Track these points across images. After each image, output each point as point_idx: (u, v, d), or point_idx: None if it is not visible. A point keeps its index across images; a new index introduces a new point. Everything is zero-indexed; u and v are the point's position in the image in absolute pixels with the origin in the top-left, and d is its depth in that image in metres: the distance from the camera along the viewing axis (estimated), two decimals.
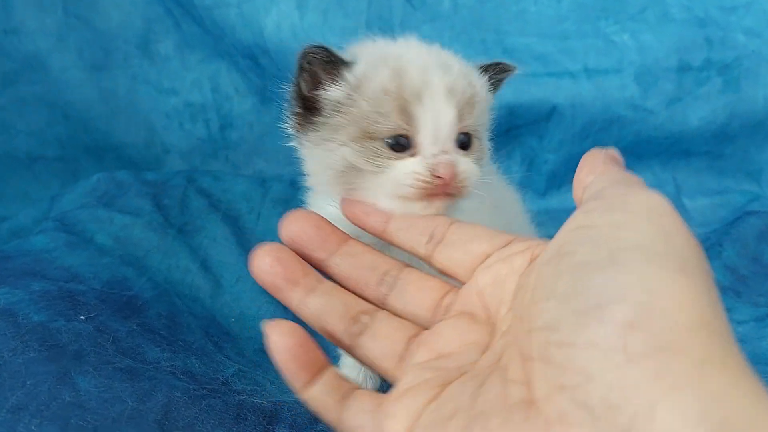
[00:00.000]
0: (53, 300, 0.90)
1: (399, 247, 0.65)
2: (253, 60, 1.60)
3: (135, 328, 0.92)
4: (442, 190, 0.66)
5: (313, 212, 0.66)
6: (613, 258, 0.41)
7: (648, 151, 1.52)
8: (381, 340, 0.58)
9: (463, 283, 0.59)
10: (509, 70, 0.78)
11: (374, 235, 0.66)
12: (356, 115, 0.70)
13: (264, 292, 1.22)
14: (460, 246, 0.60)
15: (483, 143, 0.75)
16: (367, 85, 0.70)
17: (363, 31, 1.50)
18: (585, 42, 1.47)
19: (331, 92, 0.73)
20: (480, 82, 0.75)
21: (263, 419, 0.79)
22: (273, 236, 1.43)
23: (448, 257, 0.61)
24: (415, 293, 0.61)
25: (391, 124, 0.68)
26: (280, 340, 0.54)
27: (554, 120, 1.47)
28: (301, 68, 0.72)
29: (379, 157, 0.69)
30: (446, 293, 0.60)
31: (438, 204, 0.67)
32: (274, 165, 1.67)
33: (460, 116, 0.69)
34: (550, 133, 1.49)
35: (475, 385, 0.48)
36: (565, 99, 1.45)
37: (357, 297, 0.62)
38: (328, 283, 0.62)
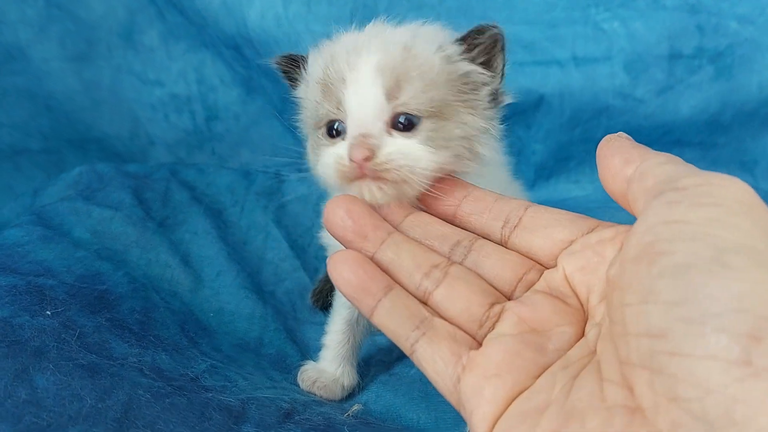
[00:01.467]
0: (19, 295, 0.88)
1: (472, 232, 0.61)
2: (237, 50, 1.58)
3: (104, 323, 0.90)
4: (361, 173, 0.64)
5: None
6: (720, 261, 0.39)
7: (639, 141, 1.49)
8: (458, 299, 0.55)
9: (546, 268, 0.57)
10: (486, 32, 0.70)
11: (445, 219, 0.63)
12: (307, 108, 0.72)
13: (244, 287, 1.21)
14: (540, 231, 0.57)
15: (442, 124, 0.68)
16: (309, 77, 0.72)
17: (348, 20, 1.50)
18: (574, 29, 1.44)
19: (297, 91, 0.77)
20: (438, 56, 0.69)
21: (229, 418, 0.76)
22: (257, 229, 1.42)
23: (526, 242, 0.58)
24: (495, 263, 0.58)
25: (324, 111, 0.68)
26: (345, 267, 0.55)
27: (542, 109, 1.44)
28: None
29: (320, 146, 0.70)
30: (529, 269, 0.57)
31: (367, 187, 0.64)
32: (260, 156, 1.65)
33: (391, 96, 0.66)
34: (538, 122, 1.46)
35: (568, 377, 0.47)
36: (553, 88, 1.42)
37: (429, 250, 0.59)
38: (398, 236, 0.60)
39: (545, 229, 0.57)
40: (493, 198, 0.61)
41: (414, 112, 0.67)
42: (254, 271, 1.29)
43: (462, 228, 0.62)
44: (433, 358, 0.53)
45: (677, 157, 0.49)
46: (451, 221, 0.62)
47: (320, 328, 1.04)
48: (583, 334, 0.52)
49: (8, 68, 1.59)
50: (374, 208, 0.62)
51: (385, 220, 0.62)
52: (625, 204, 0.52)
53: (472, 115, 0.70)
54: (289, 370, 1.03)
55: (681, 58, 1.42)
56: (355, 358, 0.99)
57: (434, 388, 0.95)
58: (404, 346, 0.55)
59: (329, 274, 0.58)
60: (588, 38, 1.43)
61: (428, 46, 0.70)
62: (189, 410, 0.75)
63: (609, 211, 1.46)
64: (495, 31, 0.70)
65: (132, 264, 1.15)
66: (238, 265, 1.24)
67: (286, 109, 1.65)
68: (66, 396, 0.69)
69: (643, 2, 1.43)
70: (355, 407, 0.90)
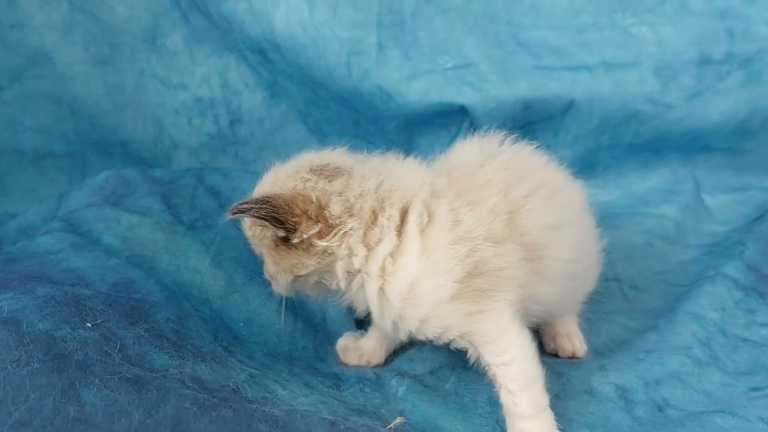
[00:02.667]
0: (59, 306, 0.87)
1: None
2: (262, 54, 1.57)
3: (142, 333, 0.89)
4: None
5: None
6: None
7: (666, 147, 1.49)
8: None
9: None
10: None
11: None
12: None
13: (273, 296, 1.21)
14: None
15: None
16: None
17: (373, 25, 1.49)
18: (602, 35, 1.43)
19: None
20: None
21: (276, 429, 0.76)
22: None
23: None
24: None
25: None
26: None
27: (570, 115, 1.44)
28: None
29: None
30: None
31: None
32: (285, 160, 1.64)
33: None
34: (566, 128, 1.46)
35: None
36: (583, 94, 1.41)
37: None
38: None
39: None
40: None
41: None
42: None
43: None
44: None
45: None
46: None
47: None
48: None
49: (33, 72, 1.59)
50: None
51: None
52: None
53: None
54: (324, 375, 1.04)
55: (710, 63, 1.41)
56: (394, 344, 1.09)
57: (470, 401, 0.95)
58: None
59: None
60: (617, 44, 1.42)
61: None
62: (236, 422, 0.74)
63: (636, 217, 1.47)
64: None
65: (162, 271, 1.14)
66: None
67: (310, 113, 1.65)
68: (114, 412, 0.69)
69: (671, 7, 1.42)
70: (398, 420, 0.90)
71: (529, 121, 1.45)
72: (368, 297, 0.87)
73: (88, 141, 1.66)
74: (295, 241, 0.84)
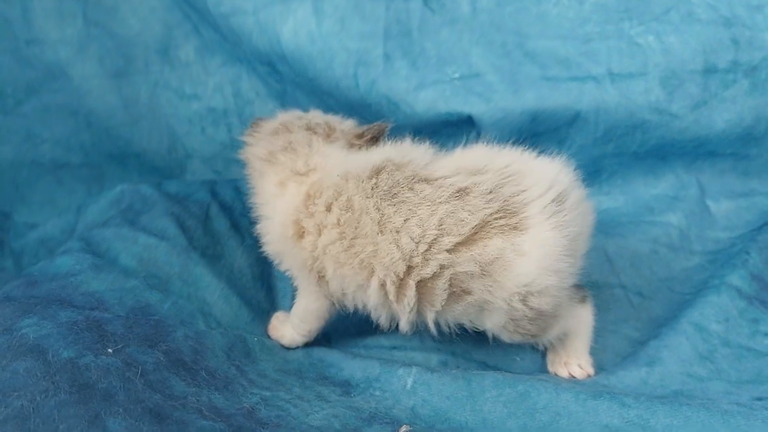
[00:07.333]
0: (81, 332, 0.92)
1: None
2: (270, 66, 1.60)
3: (161, 358, 0.94)
4: None
5: None
6: None
7: (671, 153, 1.49)
8: None
9: None
10: None
11: None
12: None
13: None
14: None
15: None
16: None
17: (381, 37, 1.51)
18: (608, 44, 1.43)
19: None
20: None
21: None
22: None
23: None
24: None
25: None
26: None
27: (576, 126, 1.45)
28: None
29: None
30: None
31: None
32: None
33: None
34: (571, 138, 1.47)
35: None
36: (589, 105, 1.41)
37: None
38: None
39: None
40: None
41: None
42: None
43: None
44: None
45: None
46: None
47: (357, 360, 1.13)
48: None
49: (50, 86, 1.63)
50: None
51: None
52: None
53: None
54: (335, 384, 1.09)
55: (716, 72, 1.41)
56: None
57: (478, 386, 1.00)
58: None
59: None
60: (623, 53, 1.42)
61: None
62: None
63: (641, 225, 1.49)
64: None
65: (176, 294, 1.19)
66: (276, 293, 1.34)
67: None
68: None
69: (677, 15, 1.42)
70: (404, 429, 0.94)
71: (536, 132, 1.47)
72: None
73: (105, 152, 1.70)
74: None
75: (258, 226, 1.19)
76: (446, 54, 1.51)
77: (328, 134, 1.19)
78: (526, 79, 1.45)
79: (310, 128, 1.19)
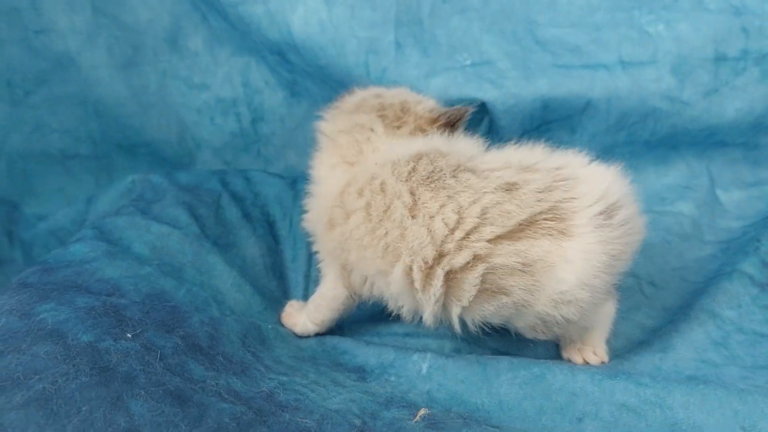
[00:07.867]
0: (99, 317, 0.92)
1: None
2: (281, 56, 1.59)
3: (179, 342, 0.94)
4: None
5: None
6: None
7: (682, 142, 1.49)
8: None
9: None
10: None
11: None
12: None
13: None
14: None
15: None
16: None
17: (392, 25, 1.51)
18: (619, 32, 1.43)
19: None
20: None
21: None
22: (303, 244, 1.44)
23: None
24: None
25: None
26: None
27: (588, 114, 1.44)
28: None
29: None
30: None
31: None
32: (306, 158, 1.67)
33: None
34: (583, 126, 1.47)
35: None
36: (601, 93, 1.41)
37: None
38: None
39: None
40: None
41: None
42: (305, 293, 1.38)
43: None
44: None
45: None
46: None
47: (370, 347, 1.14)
48: None
49: (59, 76, 1.62)
50: None
51: None
52: None
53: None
54: (349, 370, 1.09)
55: (726, 60, 1.41)
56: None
57: (492, 370, 1.01)
58: None
59: None
60: (634, 41, 1.42)
61: None
62: None
63: (653, 215, 1.49)
64: None
65: (190, 281, 1.19)
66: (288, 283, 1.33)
67: None
68: (162, 423, 0.73)
69: (687, 4, 1.42)
70: (422, 411, 0.94)
71: (547, 120, 1.47)
72: None
73: (114, 142, 1.70)
74: None
75: (304, 200, 1.20)
76: (457, 42, 1.51)
77: (398, 118, 1.16)
78: (538, 67, 1.45)
79: (381, 110, 1.16)
